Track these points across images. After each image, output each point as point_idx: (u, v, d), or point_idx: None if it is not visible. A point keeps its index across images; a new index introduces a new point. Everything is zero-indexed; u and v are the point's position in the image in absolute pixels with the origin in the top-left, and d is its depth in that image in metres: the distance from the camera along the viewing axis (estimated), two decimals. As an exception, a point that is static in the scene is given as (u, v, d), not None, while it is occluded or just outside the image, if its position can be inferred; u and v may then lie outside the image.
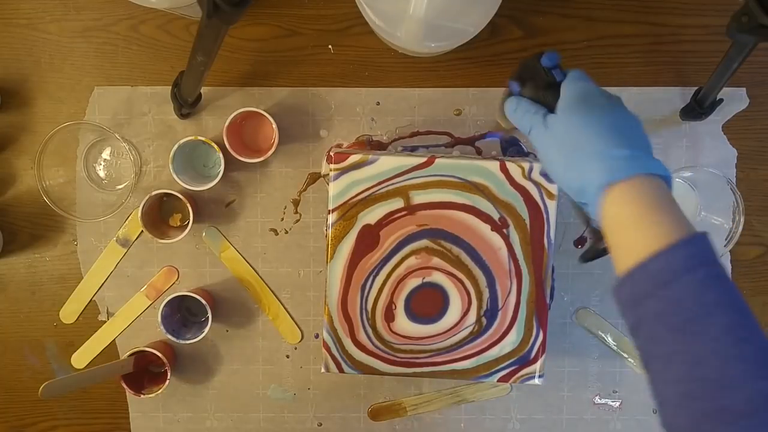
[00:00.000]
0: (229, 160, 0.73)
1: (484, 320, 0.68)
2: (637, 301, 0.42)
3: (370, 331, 0.68)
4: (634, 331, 0.43)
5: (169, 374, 0.73)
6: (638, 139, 0.45)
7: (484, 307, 0.67)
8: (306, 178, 0.76)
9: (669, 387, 0.40)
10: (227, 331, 0.78)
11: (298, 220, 0.76)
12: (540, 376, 0.68)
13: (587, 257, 0.59)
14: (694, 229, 0.42)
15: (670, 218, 0.42)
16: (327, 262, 0.67)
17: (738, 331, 0.39)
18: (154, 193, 0.72)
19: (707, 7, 0.74)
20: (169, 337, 0.73)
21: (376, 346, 0.68)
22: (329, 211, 0.67)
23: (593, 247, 0.57)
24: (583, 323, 0.77)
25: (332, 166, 0.66)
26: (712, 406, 0.37)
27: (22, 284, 0.78)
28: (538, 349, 0.68)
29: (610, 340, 0.77)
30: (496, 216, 0.66)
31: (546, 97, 0.51)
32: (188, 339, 0.73)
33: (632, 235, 0.43)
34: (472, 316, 0.68)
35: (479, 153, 0.76)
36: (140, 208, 0.71)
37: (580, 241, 0.76)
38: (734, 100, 0.75)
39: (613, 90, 0.74)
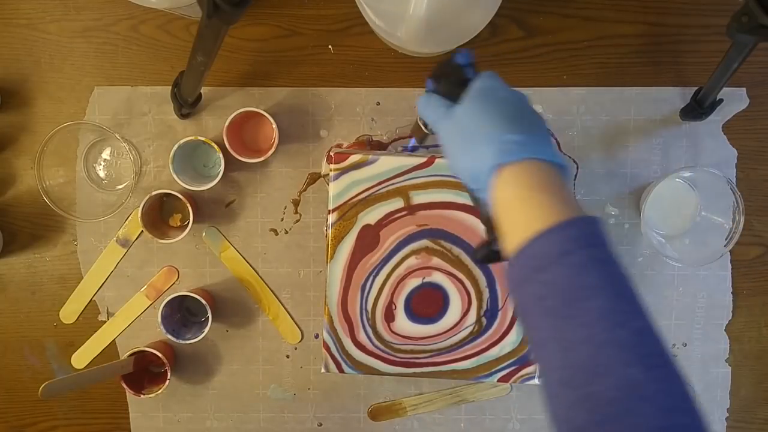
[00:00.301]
0: (229, 160, 0.73)
1: (484, 320, 0.68)
2: (518, 286, 0.42)
3: (370, 331, 0.68)
4: (519, 318, 0.42)
5: (169, 374, 0.73)
6: (533, 129, 0.45)
7: (484, 307, 0.67)
8: (306, 178, 0.76)
9: (549, 375, 0.40)
10: (227, 331, 0.78)
11: (298, 220, 0.77)
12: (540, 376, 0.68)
13: (480, 257, 0.59)
14: (581, 212, 0.42)
15: (555, 200, 0.42)
16: (327, 262, 0.67)
17: (613, 316, 0.37)
18: (154, 193, 0.72)
19: (707, 7, 0.74)
20: (169, 337, 0.73)
21: (376, 346, 0.68)
22: (329, 211, 0.67)
23: (489, 247, 0.56)
24: (583, 323, 0.77)
25: (332, 166, 0.66)
26: (582, 393, 0.37)
27: (22, 284, 0.78)
28: (538, 349, 0.68)
29: (610, 340, 0.77)
30: (496, 216, 0.66)
31: (456, 93, 0.51)
32: (188, 339, 0.73)
33: (517, 218, 0.43)
34: (472, 316, 0.68)
35: (479, 153, 0.76)
36: (140, 208, 0.71)
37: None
38: (734, 100, 0.75)
39: (613, 90, 0.75)
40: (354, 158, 0.66)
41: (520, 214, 0.42)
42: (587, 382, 0.37)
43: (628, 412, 0.35)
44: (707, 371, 0.77)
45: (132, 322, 0.78)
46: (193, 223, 0.72)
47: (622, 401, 0.35)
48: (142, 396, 0.73)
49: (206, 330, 0.73)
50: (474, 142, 0.46)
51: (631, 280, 0.40)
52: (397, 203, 0.66)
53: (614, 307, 0.38)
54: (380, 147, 0.76)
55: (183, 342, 0.73)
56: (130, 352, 0.73)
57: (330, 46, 0.75)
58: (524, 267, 0.41)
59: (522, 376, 0.68)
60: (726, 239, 0.70)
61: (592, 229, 0.41)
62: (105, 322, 0.78)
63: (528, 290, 0.41)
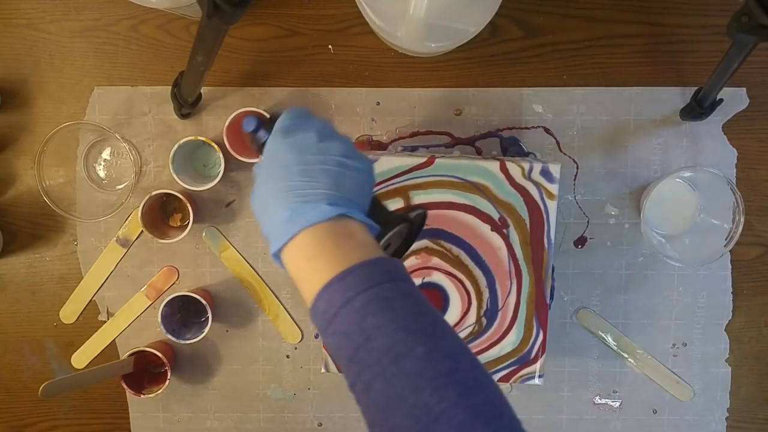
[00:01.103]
0: (229, 160, 0.73)
1: (484, 320, 0.68)
2: (323, 342, 0.43)
3: (370, 331, 0.68)
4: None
5: (169, 374, 0.73)
6: (307, 191, 0.45)
7: (484, 308, 0.67)
8: (306, 178, 0.76)
9: (364, 418, 0.41)
10: (227, 331, 0.78)
11: (298, 220, 0.76)
12: (540, 376, 0.68)
13: None
14: (364, 256, 0.42)
15: (332, 258, 0.43)
16: (327, 262, 0.67)
17: (396, 349, 0.38)
18: (154, 193, 0.72)
19: (707, 7, 0.74)
20: (169, 337, 0.73)
21: (376, 346, 0.68)
22: (329, 211, 0.67)
23: None
24: (583, 323, 0.77)
25: (332, 166, 0.66)
26: (385, 428, 0.38)
27: (22, 284, 0.78)
28: (538, 349, 0.68)
29: (610, 340, 0.77)
30: (496, 216, 0.66)
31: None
32: (188, 339, 0.73)
33: (305, 286, 0.44)
34: (472, 316, 0.68)
35: (479, 153, 0.76)
36: (140, 208, 0.71)
37: (580, 241, 0.76)
38: (734, 100, 0.75)
39: (613, 90, 0.75)
40: (354, 158, 0.66)
41: (306, 282, 0.44)
42: (386, 418, 0.38)
43: None
44: (707, 371, 0.77)
45: (132, 322, 0.78)
46: (193, 223, 0.72)
47: (416, 428, 0.36)
48: (142, 396, 0.73)
49: (206, 330, 0.73)
50: (261, 226, 0.47)
51: (420, 306, 0.41)
52: (397, 203, 0.66)
53: (396, 341, 0.39)
54: (380, 147, 0.76)
55: (183, 342, 0.73)
56: (130, 352, 0.73)
57: (330, 46, 0.75)
58: (318, 325, 0.43)
59: (522, 376, 0.68)
60: (726, 239, 0.70)
61: (370, 270, 0.42)
62: (105, 322, 0.78)
63: (328, 343, 0.42)
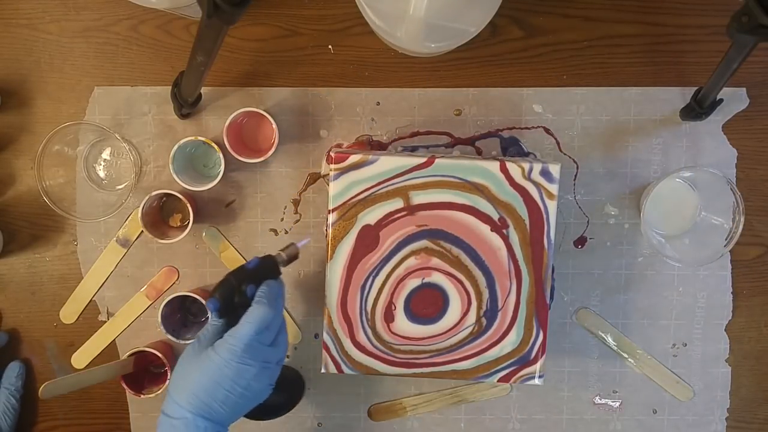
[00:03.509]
0: (229, 160, 0.73)
1: (484, 321, 0.68)
2: None
3: (369, 331, 0.68)
4: None
5: (169, 374, 0.73)
6: (212, 412, 0.57)
7: (484, 308, 0.67)
8: (306, 178, 0.76)
9: None
10: (227, 331, 0.77)
11: (298, 220, 0.77)
12: (540, 377, 0.68)
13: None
14: None
15: None
16: (327, 262, 0.67)
17: None
18: (154, 193, 0.72)
19: (707, 7, 0.74)
20: (169, 337, 0.73)
21: (376, 347, 0.68)
22: (329, 211, 0.67)
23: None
24: (583, 323, 0.77)
25: (332, 166, 0.66)
26: None
27: (22, 284, 0.78)
28: (538, 349, 0.68)
29: (610, 340, 0.77)
30: (495, 216, 0.66)
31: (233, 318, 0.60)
32: (188, 339, 0.73)
33: None
34: (471, 317, 0.68)
35: (479, 153, 0.76)
36: (140, 208, 0.71)
37: (580, 241, 0.76)
38: (734, 100, 0.75)
39: (613, 90, 0.75)
40: (354, 158, 0.66)
41: None
42: None
43: None
44: (707, 371, 0.77)
45: (132, 322, 0.78)
46: (193, 223, 0.72)
47: None
48: (142, 396, 0.73)
49: (206, 330, 0.73)
50: (169, 386, 0.60)
51: None
52: (397, 203, 0.66)
53: None
54: (380, 147, 0.76)
55: (183, 342, 0.73)
56: (130, 352, 0.73)
57: (330, 46, 0.75)
58: None
59: (522, 376, 0.68)
60: (726, 239, 0.70)
61: None
62: (105, 322, 0.78)
63: None
